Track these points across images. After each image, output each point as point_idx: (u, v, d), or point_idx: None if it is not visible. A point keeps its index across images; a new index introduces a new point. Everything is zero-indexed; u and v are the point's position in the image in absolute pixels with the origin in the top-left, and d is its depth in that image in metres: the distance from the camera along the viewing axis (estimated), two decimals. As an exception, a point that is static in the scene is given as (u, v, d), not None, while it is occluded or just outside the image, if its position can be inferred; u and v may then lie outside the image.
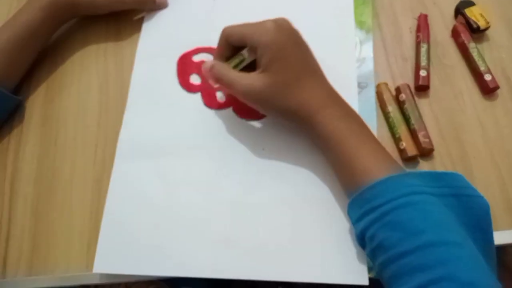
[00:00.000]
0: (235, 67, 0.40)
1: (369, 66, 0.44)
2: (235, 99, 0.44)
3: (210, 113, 0.45)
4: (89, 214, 0.43)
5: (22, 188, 0.45)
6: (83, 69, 0.51)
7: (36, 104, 0.49)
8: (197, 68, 0.47)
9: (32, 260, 0.42)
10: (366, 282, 0.35)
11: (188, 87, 0.47)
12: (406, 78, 0.44)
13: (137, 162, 0.43)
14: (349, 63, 0.44)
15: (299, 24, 0.47)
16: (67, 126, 0.48)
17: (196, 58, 0.48)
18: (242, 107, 0.44)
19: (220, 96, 0.46)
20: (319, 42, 0.45)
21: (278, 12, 0.48)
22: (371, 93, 0.43)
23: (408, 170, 0.35)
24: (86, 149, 0.46)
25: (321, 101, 0.37)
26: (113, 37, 0.52)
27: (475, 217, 0.32)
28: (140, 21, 0.52)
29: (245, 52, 0.39)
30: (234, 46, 0.40)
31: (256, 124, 0.43)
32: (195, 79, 0.47)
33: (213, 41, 0.47)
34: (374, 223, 0.32)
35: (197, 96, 0.46)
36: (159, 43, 0.50)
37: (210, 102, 0.45)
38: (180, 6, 0.52)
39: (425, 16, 0.45)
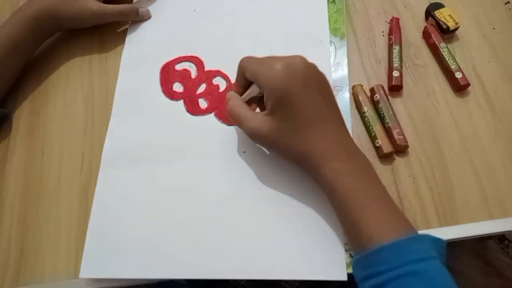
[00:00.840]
0: (250, 100, 0.39)
1: (344, 70, 0.46)
2: (217, 105, 0.46)
3: (193, 119, 0.46)
4: (77, 222, 0.43)
5: (8, 200, 0.46)
6: (69, 81, 0.52)
7: (22, 116, 0.50)
8: (180, 76, 0.49)
9: (20, 270, 0.42)
10: (344, 277, 0.36)
11: (171, 95, 0.48)
12: (380, 79, 0.45)
13: (122, 168, 0.44)
14: (325, 67, 0.46)
15: (276, 31, 0.49)
16: (53, 137, 0.48)
17: (179, 67, 0.50)
18: (224, 113, 0.45)
19: (202, 103, 0.47)
20: (295, 48, 0.47)
21: (256, 20, 0.50)
22: (346, 95, 0.44)
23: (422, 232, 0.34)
24: (72, 159, 0.47)
25: (327, 152, 0.35)
26: (98, 49, 0.53)
27: None
28: (124, 33, 0.54)
29: (256, 88, 0.38)
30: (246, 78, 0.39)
31: (236, 128, 0.45)
32: (177, 87, 0.48)
33: (195, 50, 0.49)
34: None
35: (180, 103, 0.47)
36: (143, 53, 0.51)
37: (192, 109, 0.47)
38: (162, 17, 0.53)
39: (397, 20, 0.47)
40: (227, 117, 0.42)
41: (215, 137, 0.44)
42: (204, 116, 0.46)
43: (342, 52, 0.47)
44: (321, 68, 0.45)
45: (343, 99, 0.44)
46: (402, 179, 0.41)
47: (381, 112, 0.42)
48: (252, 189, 0.41)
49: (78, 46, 0.54)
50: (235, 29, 0.51)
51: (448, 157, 0.41)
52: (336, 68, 0.46)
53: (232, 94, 0.40)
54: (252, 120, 0.37)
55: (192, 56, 0.50)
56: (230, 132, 0.44)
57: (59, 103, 0.50)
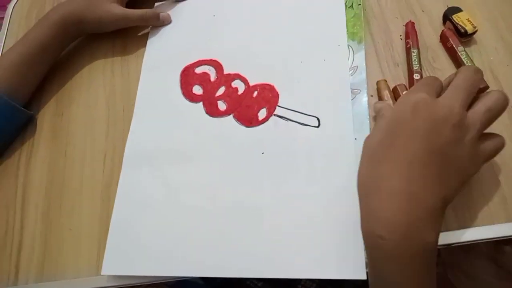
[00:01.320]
0: None
1: (362, 74, 0.46)
2: (236, 107, 0.47)
3: (212, 121, 0.47)
4: (98, 220, 0.44)
5: (33, 197, 0.47)
6: (91, 83, 0.53)
7: (46, 117, 0.52)
8: (199, 79, 0.50)
9: (44, 266, 0.43)
10: (363, 276, 0.36)
11: (191, 97, 0.49)
12: (398, 81, 0.46)
13: (143, 168, 0.45)
14: (342, 70, 0.46)
15: (294, 35, 0.50)
16: (76, 137, 0.50)
17: (198, 70, 0.51)
18: (242, 115, 0.46)
19: (221, 105, 0.48)
20: (313, 52, 0.48)
21: (274, 24, 0.51)
22: (364, 98, 0.45)
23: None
24: (95, 159, 0.48)
25: (388, 222, 0.30)
26: (120, 52, 0.55)
27: None
28: (145, 36, 0.55)
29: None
30: None
31: (255, 130, 0.45)
32: (197, 90, 0.49)
33: (214, 54, 0.51)
34: None
35: (199, 106, 0.48)
36: (164, 56, 0.53)
37: (211, 111, 0.48)
38: (183, 21, 0.55)
39: (412, 23, 0.48)
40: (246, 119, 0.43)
41: (234, 138, 0.45)
42: (223, 118, 0.47)
43: (360, 56, 0.47)
44: (339, 71, 0.46)
45: (361, 102, 0.45)
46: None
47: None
48: (270, 189, 0.42)
49: (100, 49, 0.56)
50: (254, 34, 0.52)
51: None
52: (354, 72, 0.46)
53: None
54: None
55: (211, 60, 0.51)
56: (249, 134, 0.45)
57: (82, 104, 0.52)
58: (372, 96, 0.46)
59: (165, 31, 0.54)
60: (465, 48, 0.45)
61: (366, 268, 0.37)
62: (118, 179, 0.46)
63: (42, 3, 0.63)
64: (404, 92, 0.43)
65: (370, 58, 0.48)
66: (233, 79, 0.49)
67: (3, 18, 0.63)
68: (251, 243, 0.40)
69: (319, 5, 0.51)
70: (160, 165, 0.45)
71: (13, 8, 0.64)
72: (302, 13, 0.52)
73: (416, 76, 0.45)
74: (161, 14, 0.54)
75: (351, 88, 0.45)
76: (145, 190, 0.44)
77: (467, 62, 0.44)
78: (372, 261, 0.33)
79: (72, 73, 0.55)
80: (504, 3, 0.48)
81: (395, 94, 0.44)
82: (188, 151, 0.46)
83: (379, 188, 0.32)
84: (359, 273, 0.36)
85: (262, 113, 0.46)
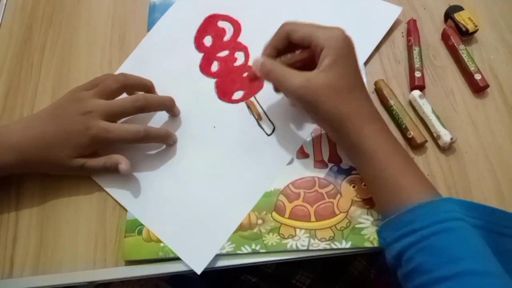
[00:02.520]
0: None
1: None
2: (223, 75, 0.49)
3: (199, 77, 0.50)
4: (96, 212, 0.44)
5: (28, 188, 0.46)
6: (88, 75, 0.52)
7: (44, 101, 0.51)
8: (215, 32, 0.52)
9: (39, 259, 0.43)
10: (198, 271, 0.39)
11: (198, 45, 0.52)
12: (399, 79, 0.46)
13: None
14: None
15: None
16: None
17: (220, 24, 0.53)
18: (223, 85, 0.49)
19: (214, 65, 0.50)
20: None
21: (314, 10, 0.52)
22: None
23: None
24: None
25: (369, 114, 0.38)
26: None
27: (505, 256, 0.32)
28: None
29: (305, 53, 0.40)
30: (289, 42, 0.40)
31: (222, 104, 0.48)
32: (207, 40, 0.52)
33: (243, 16, 0.53)
34: (413, 246, 0.33)
35: (199, 56, 0.51)
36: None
37: (204, 66, 0.50)
38: None
39: (414, 21, 0.48)
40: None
41: (203, 102, 0.48)
42: (207, 79, 0.50)
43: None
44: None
45: None
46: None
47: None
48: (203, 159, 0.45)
49: (97, 39, 0.55)
50: (289, 14, 0.49)
51: (466, 156, 0.42)
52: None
53: (264, 58, 0.41)
54: (300, 76, 0.38)
55: (236, 21, 0.52)
56: (216, 105, 0.48)
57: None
58: (373, 93, 0.46)
59: None
60: (466, 47, 0.46)
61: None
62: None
63: (38, -7, 0.61)
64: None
65: (372, 55, 0.48)
66: (239, 49, 0.50)
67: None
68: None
69: (368, 15, 0.50)
70: None
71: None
72: (346, 15, 0.51)
73: (417, 74, 0.45)
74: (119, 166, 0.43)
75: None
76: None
77: (468, 60, 0.44)
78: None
79: (69, 64, 0.54)
80: (504, 3, 0.49)
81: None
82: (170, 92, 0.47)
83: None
84: (198, 266, 0.40)
85: (238, 94, 0.48)
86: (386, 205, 0.36)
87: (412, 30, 0.47)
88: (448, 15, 0.47)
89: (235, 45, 0.51)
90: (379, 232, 0.37)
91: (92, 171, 0.43)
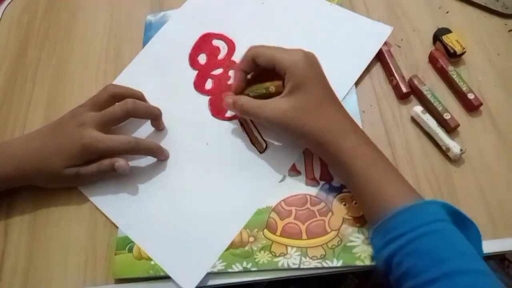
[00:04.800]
0: (255, 97, 0.43)
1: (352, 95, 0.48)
2: (216, 93, 0.50)
3: (193, 94, 0.50)
4: (87, 229, 0.44)
5: (19, 203, 0.46)
6: (83, 90, 0.53)
7: (34, 125, 0.51)
8: (210, 50, 0.53)
9: (28, 276, 0.42)
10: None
11: (192, 62, 0.53)
12: (390, 100, 0.47)
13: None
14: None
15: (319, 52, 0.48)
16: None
17: (215, 42, 0.54)
18: (216, 103, 0.49)
19: (208, 83, 0.51)
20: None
21: (307, 33, 0.52)
22: (354, 97, 0.48)
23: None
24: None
25: (344, 126, 0.39)
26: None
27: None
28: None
29: (271, 87, 0.42)
30: (257, 65, 0.42)
31: (216, 121, 0.48)
32: (201, 58, 0.53)
33: (238, 39, 0.53)
34: (400, 250, 0.33)
35: (193, 74, 0.52)
36: (201, 11, 0.56)
37: (198, 84, 0.51)
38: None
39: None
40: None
41: (196, 119, 0.49)
42: (202, 96, 0.50)
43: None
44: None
45: (352, 100, 0.47)
46: (410, 197, 0.42)
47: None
48: (197, 177, 0.45)
49: (93, 54, 0.55)
50: (284, 35, 0.52)
51: (455, 176, 0.42)
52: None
53: (234, 96, 0.44)
54: (269, 105, 0.41)
55: (231, 40, 0.53)
56: (209, 122, 0.48)
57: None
58: (364, 112, 0.47)
59: None
60: (455, 68, 0.47)
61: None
62: (108, 188, 0.45)
63: (35, 9, 0.62)
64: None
65: (362, 75, 0.49)
66: (233, 68, 0.50)
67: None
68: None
69: (360, 36, 0.51)
70: None
71: (3, 13, 0.63)
72: (340, 36, 0.51)
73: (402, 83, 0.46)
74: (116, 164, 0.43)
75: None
76: None
77: (459, 81, 0.45)
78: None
79: (63, 79, 0.54)
80: (491, 26, 0.50)
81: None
82: (176, 120, 0.49)
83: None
84: (189, 285, 0.39)
85: (231, 112, 0.48)
86: (373, 215, 0.37)
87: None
88: (437, 37, 0.48)
89: (229, 64, 0.52)
90: (370, 240, 0.38)
91: (87, 177, 0.44)
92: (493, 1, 0.51)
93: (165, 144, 0.47)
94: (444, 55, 0.48)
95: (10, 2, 0.64)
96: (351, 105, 0.46)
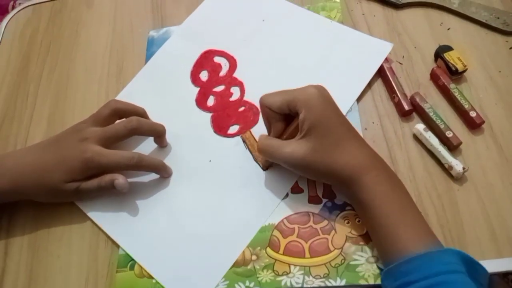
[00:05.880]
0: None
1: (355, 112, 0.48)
2: (219, 110, 0.50)
3: (195, 111, 0.51)
4: (88, 247, 0.43)
5: (20, 219, 0.46)
6: (85, 106, 0.53)
7: (36, 138, 0.51)
8: (211, 67, 0.53)
9: (28, 294, 0.42)
10: None
11: (194, 79, 0.53)
12: (391, 116, 0.47)
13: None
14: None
15: (318, 71, 0.51)
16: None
17: (217, 59, 0.54)
18: (218, 120, 0.49)
19: (210, 100, 0.51)
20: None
21: (306, 51, 0.53)
22: (356, 115, 0.48)
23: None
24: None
25: (364, 163, 0.38)
26: (115, 74, 0.55)
27: None
28: (142, 59, 0.55)
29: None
30: (276, 112, 0.41)
31: (218, 138, 0.48)
32: (203, 75, 0.53)
33: (239, 55, 0.54)
34: None
35: (195, 90, 0.52)
36: (200, 29, 0.57)
37: (200, 101, 0.51)
38: (231, 17, 0.57)
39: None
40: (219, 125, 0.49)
41: (198, 136, 0.49)
42: (204, 113, 0.50)
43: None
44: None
45: (354, 117, 0.47)
46: (413, 215, 0.42)
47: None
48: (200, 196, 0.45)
49: (95, 71, 0.55)
50: (280, 59, 0.52)
51: (458, 194, 0.42)
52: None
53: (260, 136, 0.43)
54: (286, 146, 0.39)
55: (232, 57, 0.53)
56: (211, 139, 0.48)
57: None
58: (366, 129, 0.47)
59: (214, 10, 0.58)
60: (456, 86, 0.47)
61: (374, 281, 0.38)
62: (110, 204, 0.45)
63: (37, 23, 0.62)
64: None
65: (364, 93, 0.49)
66: (235, 85, 0.51)
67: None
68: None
69: (360, 54, 0.51)
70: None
71: (5, 27, 0.63)
72: (340, 55, 0.51)
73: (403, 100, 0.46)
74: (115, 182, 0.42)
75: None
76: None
77: (461, 99, 0.45)
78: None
79: (65, 94, 0.54)
80: (492, 44, 0.51)
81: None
82: (178, 138, 0.49)
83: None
84: None
85: (234, 128, 0.48)
86: (386, 254, 0.36)
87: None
88: (438, 54, 0.49)
89: (231, 80, 0.52)
90: (381, 280, 0.37)
91: (87, 193, 0.43)
92: (494, 18, 0.51)
93: (167, 161, 0.47)
94: (446, 73, 0.48)
95: (13, 16, 0.64)
96: (353, 122, 0.46)
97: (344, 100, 0.48)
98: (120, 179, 0.42)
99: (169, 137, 0.48)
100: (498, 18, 0.52)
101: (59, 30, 0.61)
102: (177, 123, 0.49)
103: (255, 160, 0.46)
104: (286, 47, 0.53)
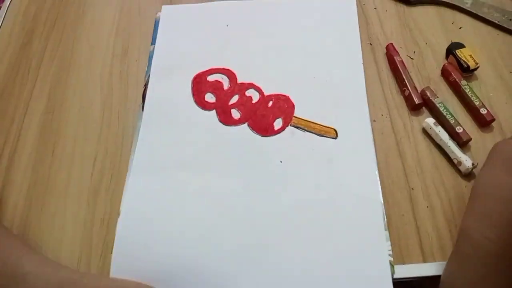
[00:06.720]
0: None
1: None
2: (250, 116, 0.46)
3: (226, 129, 0.46)
4: (83, 225, 0.42)
5: (13, 195, 0.44)
6: (88, 83, 0.51)
7: (35, 113, 0.50)
8: (212, 87, 0.49)
9: None
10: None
11: (203, 105, 0.48)
12: (401, 110, 0.46)
13: (152, 176, 0.44)
14: (358, 80, 0.48)
15: (309, 47, 0.51)
16: (66, 137, 0.48)
17: (211, 78, 0.50)
18: (257, 123, 0.46)
19: (234, 113, 0.47)
20: (328, 62, 0.49)
21: (287, 35, 0.52)
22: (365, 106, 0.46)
23: None
24: (84, 161, 0.46)
25: None
26: (120, 55, 0.53)
27: None
28: (148, 40, 0.54)
29: None
30: None
31: (271, 139, 0.45)
32: (210, 97, 0.48)
33: (227, 63, 0.50)
34: None
35: (212, 113, 0.47)
36: (174, 63, 0.51)
37: (225, 119, 0.47)
38: (195, 28, 0.54)
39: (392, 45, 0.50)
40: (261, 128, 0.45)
41: (251, 147, 0.44)
42: (237, 127, 0.46)
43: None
44: (354, 81, 0.48)
45: (363, 109, 0.46)
46: (420, 209, 0.41)
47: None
48: (289, 199, 0.41)
49: (100, 49, 0.54)
50: (267, 44, 0.51)
51: (465, 190, 0.42)
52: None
53: None
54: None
55: (224, 69, 0.50)
56: (266, 143, 0.45)
57: (75, 104, 0.50)
58: (375, 121, 0.46)
59: (174, 37, 0.53)
60: (468, 83, 0.46)
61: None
62: (107, 183, 0.44)
63: (43, 0, 0.61)
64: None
65: (374, 85, 0.48)
66: (247, 88, 0.48)
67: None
68: (266, 257, 0.38)
69: (333, 15, 0.53)
70: (172, 174, 0.43)
71: (10, 2, 0.62)
72: (316, 24, 0.52)
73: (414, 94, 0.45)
74: None
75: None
76: (155, 199, 0.42)
77: (471, 96, 0.45)
78: (461, 257, 0.34)
79: (68, 72, 0.53)
80: (503, 45, 0.50)
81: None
82: (201, 159, 0.44)
83: (502, 195, 0.34)
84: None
85: (278, 123, 0.46)
86: None
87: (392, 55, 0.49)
88: (450, 51, 0.48)
89: (240, 87, 0.49)
90: None
91: None
92: (507, 19, 0.51)
93: (244, 193, 0.42)
94: (457, 69, 0.47)
95: (17, -8, 0.62)
96: (362, 113, 0.45)
97: (352, 59, 0.49)
98: None
99: (216, 164, 0.44)
100: (510, 20, 0.51)
101: (65, 8, 0.59)
102: (222, 153, 0.44)
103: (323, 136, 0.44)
104: (269, 35, 0.53)
